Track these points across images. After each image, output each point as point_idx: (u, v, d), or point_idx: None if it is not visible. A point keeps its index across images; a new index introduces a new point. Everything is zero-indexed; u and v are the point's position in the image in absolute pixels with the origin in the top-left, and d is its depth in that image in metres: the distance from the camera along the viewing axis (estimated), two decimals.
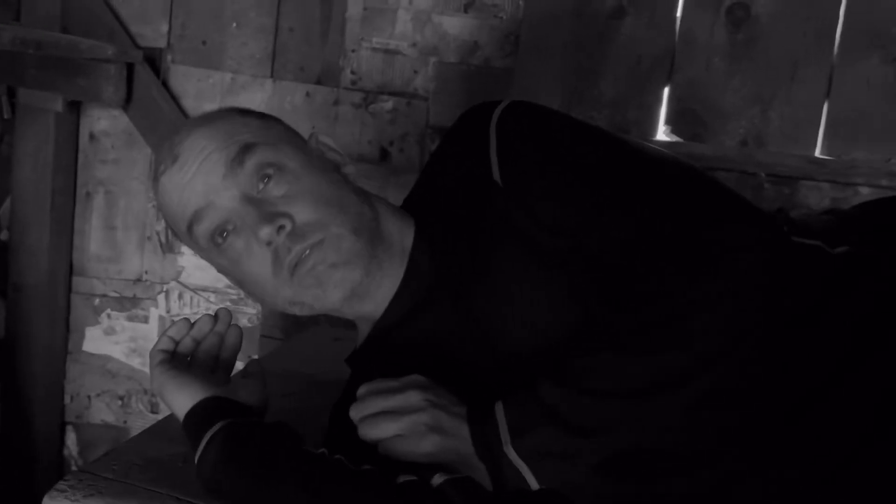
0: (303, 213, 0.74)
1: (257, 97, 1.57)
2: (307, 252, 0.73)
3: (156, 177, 0.81)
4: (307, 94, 1.56)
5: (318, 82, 1.55)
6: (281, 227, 0.72)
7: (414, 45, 1.50)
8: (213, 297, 1.65)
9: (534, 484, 0.66)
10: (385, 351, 0.83)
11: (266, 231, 0.72)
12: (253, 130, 0.80)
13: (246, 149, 0.76)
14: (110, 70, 1.45)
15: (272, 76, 1.57)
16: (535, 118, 0.78)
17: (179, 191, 0.76)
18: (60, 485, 0.68)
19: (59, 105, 1.52)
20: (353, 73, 1.53)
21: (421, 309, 0.80)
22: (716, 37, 1.42)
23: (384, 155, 1.54)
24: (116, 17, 1.57)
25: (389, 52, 1.51)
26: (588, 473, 0.66)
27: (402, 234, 0.82)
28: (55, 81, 1.47)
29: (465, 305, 0.78)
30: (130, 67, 1.51)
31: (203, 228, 0.76)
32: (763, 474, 0.67)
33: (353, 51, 1.53)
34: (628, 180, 0.72)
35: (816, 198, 1.40)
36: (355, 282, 0.75)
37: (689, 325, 0.63)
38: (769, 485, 0.67)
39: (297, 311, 0.78)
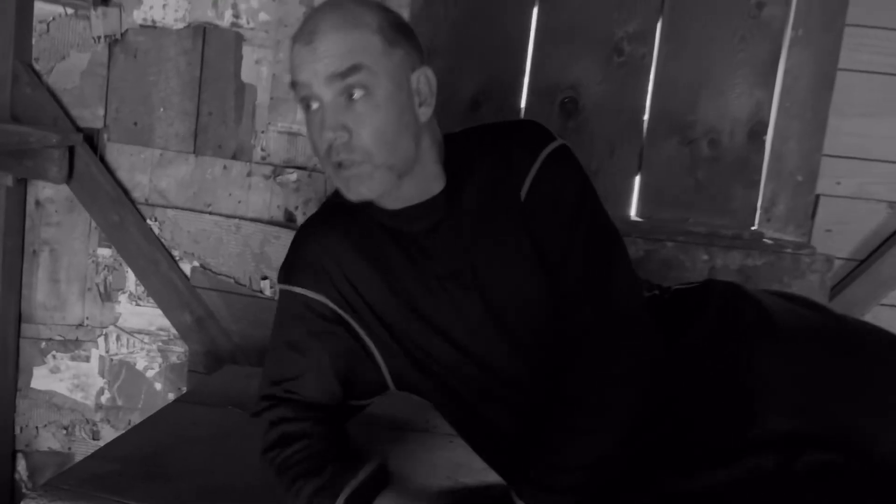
0: (362, 136, 0.94)
1: (182, 169, 1.87)
2: (349, 163, 0.94)
3: (294, 36, 0.97)
4: (224, 167, 1.86)
5: (234, 157, 1.86)
6: (340, 137, 0.93)
7: None
8: (146, 339, 1.93)
9: None
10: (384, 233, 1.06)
11: (328, 135, 0.93)
12: (371, 52, 0.94)
13: (352, 69, 0.93)
14: (55, 154, 1.72)
15: (195, 152, 1.86)
16: (571, 170, 1.04)
17: (300, 62, 0.95)
18: (31, 493, 0.97)
19: (9, 181, 1.79)
20: (262, 150, 1.84)
21: (425, 230, 1.03)
22: (552, 123, 1.79)
23: (290, 217, 1.85)
24: (59, 103, 1.85)
25: (292, 134, 1.83)
26: None
27: (429, 182, 1.02)
28: (7, 163, 1.73)
29: (466, 254, 1.02)
30: (72, 148, 1.79)
31: (298, 93, 0.97)
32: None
33: (262, 132, 1.84)
34: (594, 248, 1.02)
35: (633, 250, 1.76)
36: (368, 197, 0.98)
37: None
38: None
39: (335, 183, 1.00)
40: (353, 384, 1.09)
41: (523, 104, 1.79)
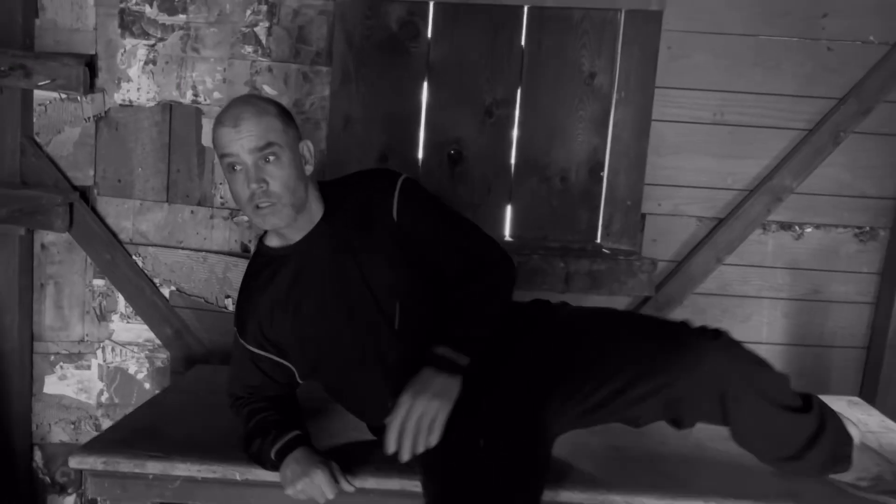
0: (274, 186, 1.42)
1: (158, 216, 2.39)
2: (266, 205, 1.41)
3: (218, 120, 1.43)
4: (192, 212, 2.38)
5: (199, 204, 2.38)
6: (261, 187, 1.40)
7: None
8: (136, 349, 2.45)
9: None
10: (282, 264, 1.54)
11: (253, 186, 1.41)
12: (277, 132, 1.42)
13: (268, 145, 1.41)
14: (59, 210, 2.23)
15: (167, 201, 2.38)
16: (421, 189, 1.56)
17: (228, 140, 1.41)
18: (77, 451, 1.50)
19: (21, 231, 2.29)
20: (221, 198, 2.37)
21: (315, 250, 1.51)
22: (443, 170, 2.35)
23: (245, 248, 2.38)
24: (57, 167, 2.35)
25: None
26: None
27: (313, 214, 1.51)
28: (20, 219, 2.23)
29: (351, 256, 1.49)
30: (70, 204, 2.30)
31: (227, 161, 1.43)
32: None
33: (220, 184, 2.37)
34: (459, 228, 1.56)
35: None
36: (278, 226, 1.45)
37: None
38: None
39: (251, 220, 1.46)
40: (289, 384, 1.63)
41: (420, 156, 2.35)
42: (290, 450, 1.46)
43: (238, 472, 1.50)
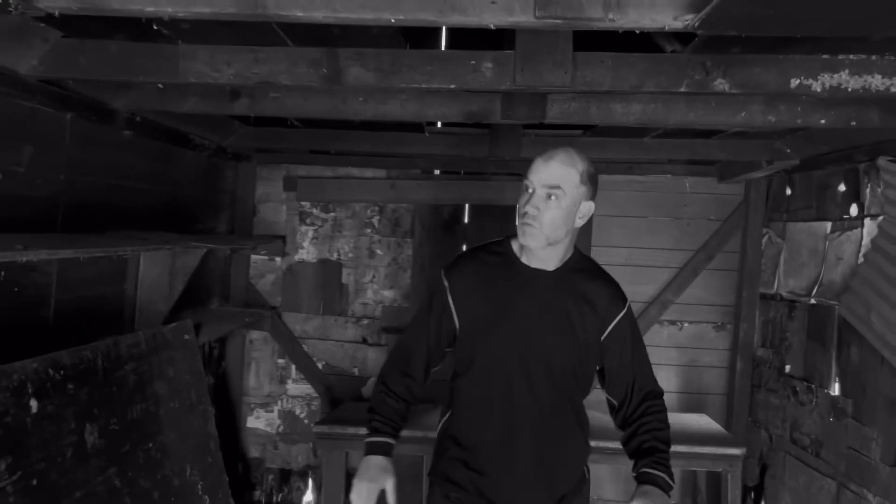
0: (541, 216, 1.72)
1: (317, 322, 4.25)
2: (529, 223, 1.71)
3: (541, 156, 1.75)
4: (335, 319, 4.24)
5: (339, 315, 4.24)
6: (534, 210, 1.70)
7: (375, 301, 4.23)
8: (300, 399, 4.24)
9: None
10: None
11: (530, 209, 1.71)
12: (570, 182, 1.73)
13: (555, 186, 1.72)
14: (267, 320, 4.11)
15: (322, 314, 4.25)
16: (631, 323, 1.93)
17: (535, 170, 1.73)
18: (315, 424, 3.28)
19: (245, 332, 4.16)
20: (352, 312, 4.24)
21: (539, 280, 1.81)
22: None
23: (365, 340, 4.22)
24: (262, 296, 4.25)
25: (365, 303, 4.24)
26: None
27: (553, 261, 1.80)
28: (249, 323, 4.11)
29: (559, 306, 1.80)
30: (271, 317, 4.18)
31: (524, 182, 1.75)
32: None
33: (351, 304, 4.24)
34: (642, 366, 1.96)
35: None
36: (529, 244, 1.75)
37: None
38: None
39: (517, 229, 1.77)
40: (446, 333, 1.90)
41: None
42: (374, 450, 1.88)
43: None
